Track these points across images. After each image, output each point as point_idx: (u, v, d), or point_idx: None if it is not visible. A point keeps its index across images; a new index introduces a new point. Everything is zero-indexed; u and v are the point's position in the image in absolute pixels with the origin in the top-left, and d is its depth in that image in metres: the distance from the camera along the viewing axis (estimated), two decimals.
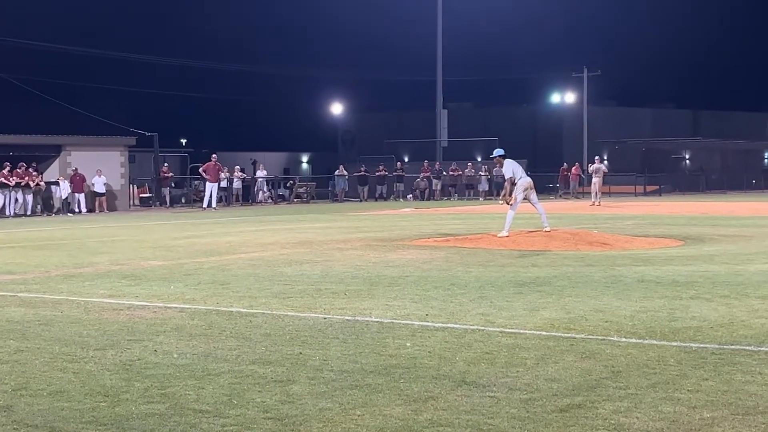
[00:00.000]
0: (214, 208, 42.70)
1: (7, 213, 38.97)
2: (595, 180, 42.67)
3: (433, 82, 62.61)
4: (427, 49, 63.55)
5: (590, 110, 69.39)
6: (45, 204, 41.48)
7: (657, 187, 61.35)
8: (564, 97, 76.54)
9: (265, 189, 52.20)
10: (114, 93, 73.77)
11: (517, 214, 20.90)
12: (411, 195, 54.39)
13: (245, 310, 10.83)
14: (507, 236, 19.83)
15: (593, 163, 45.19)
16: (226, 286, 13.05)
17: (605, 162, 44.34)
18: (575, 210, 36.52)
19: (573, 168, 54.76)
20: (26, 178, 40.31)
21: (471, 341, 8.72)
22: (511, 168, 20.85)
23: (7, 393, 6.95)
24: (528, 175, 21.24)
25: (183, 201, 50.39)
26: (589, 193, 44.18)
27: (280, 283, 13.21)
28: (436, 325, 9.62)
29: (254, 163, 54.77)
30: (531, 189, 20.90)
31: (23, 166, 40.44)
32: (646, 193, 59.08)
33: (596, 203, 40.89)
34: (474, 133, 67.98)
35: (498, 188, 54.79)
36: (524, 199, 20.88)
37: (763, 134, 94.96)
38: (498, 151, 21.62)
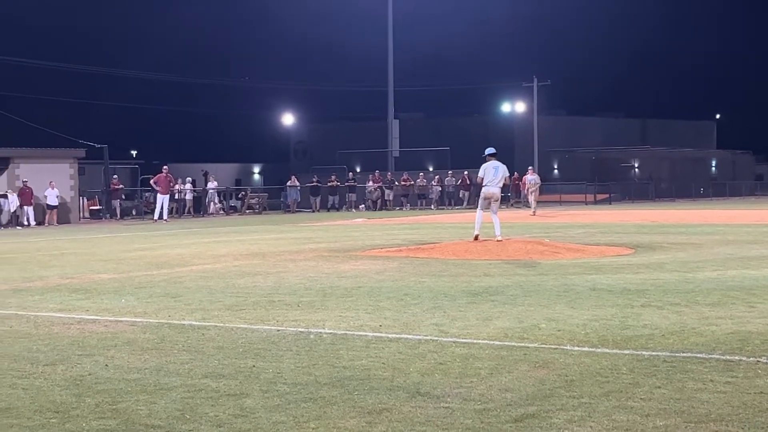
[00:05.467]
0: (166, 220, 42.42)
1: None
2: (531, 190, 42.84)
3: (384, 93, 62.75)
4: (379, 60, 63.71)
5: (540, 120, 69.89)
6: None
7: (607, 195, 61.89)
8: (514, 107, 76.98)
9: (216, 200, 51.97)
10: (63, 105, 73.10)
11: (471, 223, 21.19)
12: (363, 205, 54.39)
13: (198, 323, 10.74)
14: (477, 235, 20.43)
15: (527, 173, 45.32)
16: (178, 298, 12.95)
17: (536, 174, 44.45)
18: (526, 219, 36.69)
19: (524, 176, 55.07)
20: None
21: (425, 352, 8.71)
22: (482, 170, 20.96)
23: None
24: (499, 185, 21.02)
25: (134, 213, 50.00)
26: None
27: (232, 296, 13.13)
28: (390, 335, 9.60)
29: (205, 174, 54.49)
30: (494, 201, 20.92)
31: None
32: (596, 202, 59.56)
33: (534, 213, 40.87)
34: (425, 143, 68.17)
35: (450, 198, 55.04)
36: (487, 206, 20.97)
37: (711, 142, 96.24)
38: (487, 150, 21.26)
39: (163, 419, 6.48)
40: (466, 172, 52.85)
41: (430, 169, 64.38)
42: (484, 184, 20.79)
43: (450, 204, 54.42)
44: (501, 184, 20.86)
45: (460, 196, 54.33)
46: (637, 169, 76.74)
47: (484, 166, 20.99)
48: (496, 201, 20.91)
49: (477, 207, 21.47)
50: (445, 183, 55.14)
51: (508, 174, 21.22)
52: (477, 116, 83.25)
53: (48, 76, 72.67)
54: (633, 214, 40.36)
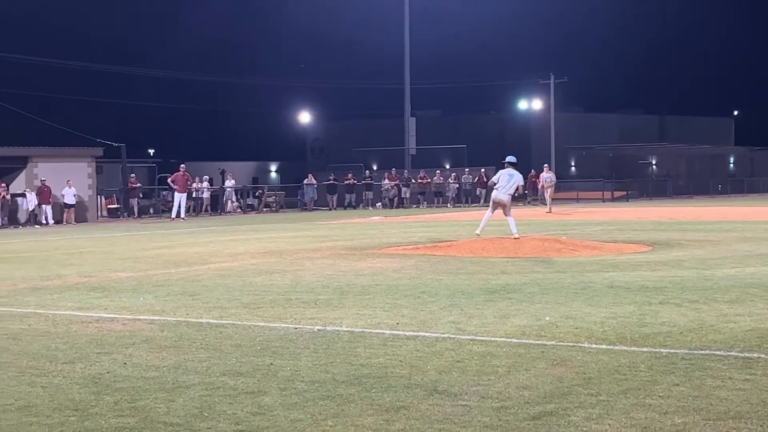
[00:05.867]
0: (183, 219, 42.52)
1: None
2: (547, 187, 42.52)
3: (401, 90, 62.69)
4: (395, 57, 63.64)
5: (557, 117, 69.71)
6: (11, 217, 41.16)
7: (624, 192, 61.68)
8: (531, 104, 76.82)
9: (233, 199, 52.06)
10: (81, 104, 73.38)
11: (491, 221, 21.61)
12: (380, 203, 54.38)
13: (215, 321, 10.77)
14: (477, 234, 20.90)
15: (542, 171, 44.96)
16: (196, 297, 12.98)
17: (551, 172, 44.06)
18: (543, 217, 36.62)
19: (540, 174, 54.93)
20: None
21: (442, 350, 8.71)
22: (498, 175, 21.45)
23: None
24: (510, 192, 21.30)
25: (151, 212, 50.13)
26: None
27: (250, 294, 13.16)
28: (407, 333, 9.60)
29: (222, 172, 54.61)
30: (502, 206, 21.12)
31: None
32: (613, 199, 59.37)
33: (549, 211, 40.59)
34: (442, 140, 68.11)
35: (466, 195, 54.98)
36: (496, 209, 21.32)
37: (729, 139, 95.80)
38: (507, 158, 21.73)
39: (181, 417, 6.50)
40: (483, 170, 52.79)
41: (447, 166, 64.28)
42: (495, 188, 21.13)
43: (467, 202, 54.35)
44: (511, 192, 21.12)
45: (477, 193, 54.25)
46: (654, 166, 76.50)
47: (501, 171, 21.46)
48: (505, 206, 21.06)
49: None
50: (462, 180, 55.07)
51: (521, 183, 21.73)
52: (493, 114, 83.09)
53: (65, 75, 72.94)
54: (650, 211, 40.23)
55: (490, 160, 52.83)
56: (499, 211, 21.30)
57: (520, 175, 21.39)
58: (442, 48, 70.56)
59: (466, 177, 55.18)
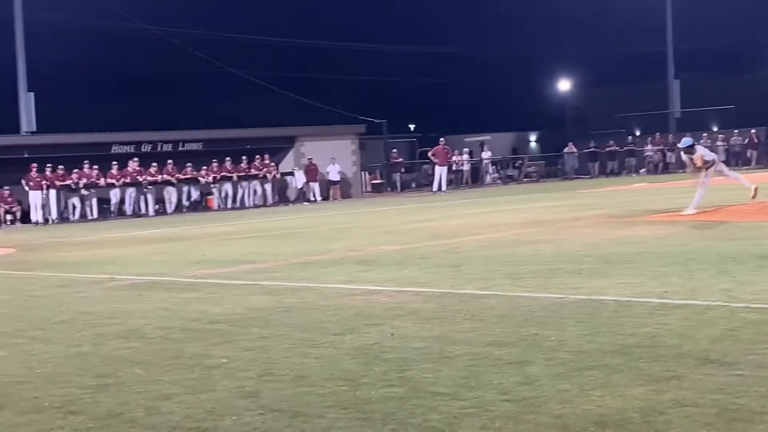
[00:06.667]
0: (444, 191, 43.01)
1: (247, 204, 40.65)
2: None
3: (662, 52, 60.80)
4: (656, 19, 61.72)
5: None
6: (281, 195, 42.94)
7: None
8: None
9: (490, 170, 52.18)
10: (341, 82, 75.37)
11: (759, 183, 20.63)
12: (644, 169, 53.04)
13: (479, 291, 10.82)
14: (694, 213, 19.55)
15: None
16: (459, 268, 13.09)
17: None
18: None
19: None
20: (264, 169, 41.88)
21: (713, 318, 8.39)
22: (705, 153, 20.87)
23: (253, 379, 7.19)
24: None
25: (413, 185, 51.00)
26: None
27: (512, 264, 13.14)
28: (676, 302, 9.31)
29: (481, 145, 54.82)
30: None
31: (260, 158, 42.04)
32: None
33: None
34: (708, 102, 65.48)
35: (736, 158, 52.76)
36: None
37: None
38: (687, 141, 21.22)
39: (448, 386, 6.57)
40: (753, 131, 50.46)
41: (714, 129, 61.82)
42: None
43: (737, 164, 52.16)
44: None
45: (748, 155, 51.96)
46: None
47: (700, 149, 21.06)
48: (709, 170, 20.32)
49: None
50: (731, 143, 52.86)
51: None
52: (763, 72, 79.06)
53: (326, 55, 75.19)
54: None
55: (760, 120, 50.43)
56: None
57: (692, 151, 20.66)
58: (704, 7, 67.76)
59: (735, 139, 52.94)
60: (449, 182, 46.10)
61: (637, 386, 6.25)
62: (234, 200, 41.25)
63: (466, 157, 51.38)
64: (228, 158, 41.29)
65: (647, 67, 66.09)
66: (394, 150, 51.15)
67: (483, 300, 10.19)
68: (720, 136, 54.12)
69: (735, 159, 52.47)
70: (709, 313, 8.62)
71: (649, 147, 53.16)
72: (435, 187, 43.94)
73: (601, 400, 5.98)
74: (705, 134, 54.26)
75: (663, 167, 52.64)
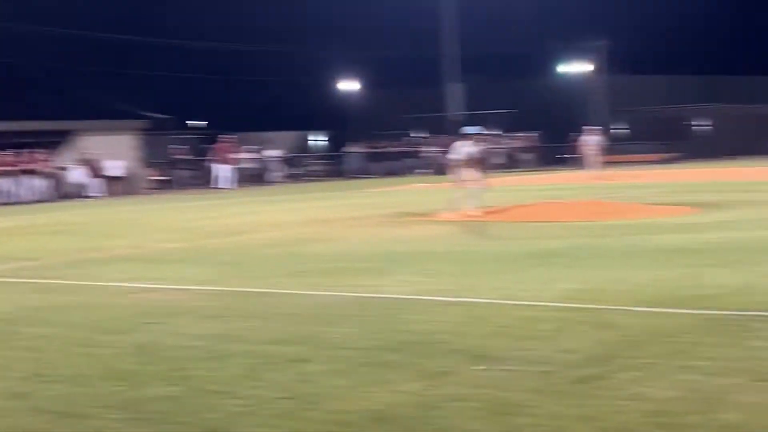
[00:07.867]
0: (230, 189, 42.76)
1: (23, 199, 39.20)
2: (592, 152, 40.95)
3: (447, 56, 62.36)
4: (441, 22, 63.21)
5: (605, 80, 68.93)
6: (59, 190, 41.61)
7: (673, 154, 60.99)
8: (577, 67, 75.94)
9: (276, 168, 52.29)
10: (125, 76, 73.62)
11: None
12: (424, 170, 54.26)
13: (261, 290, 10.82)
14: (477, 213, 19.90)
15: (587, 134, 43.21)
16: (241, 266, 13.06)
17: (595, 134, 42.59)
18: (590, 180, 36.33)
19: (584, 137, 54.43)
20: (38, 163, 40.50)
21: (486, 315, 8.69)
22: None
23: (24, 380, 6.96)
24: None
25: (198, 183, 50.39)
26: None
27: (294, 262, 13.20)
28: (451, 299, 9.59)
29: (267, 143, 54.81)
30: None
31: (34, 152, 40.65)
32: (662, 161, 58.75)
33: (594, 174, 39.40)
34: (492, 106, 67.45)
35: (513, 162, 54.72)
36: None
37: None
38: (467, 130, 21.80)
39: (227, 385, 6.55)
40: (533, 134, 52.54)
41: (498, 132, 63.77)
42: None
43: (517, 167, 54.15)
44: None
45: (526, 158, 54.27)
46: (704, 127, 75.44)
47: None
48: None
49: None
50: (512, 145, 55.07)
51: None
52: (541, 78, 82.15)
53: (110, 48, 73.32)
54: (699, 173, 39.79)
55: (540, 125, 52.48)
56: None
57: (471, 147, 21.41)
58: (495, 14, 69.94)
59: (516, 142, 55.13)
60: (233, 180, 45.84)
61: (413, 381, 6.40)
62: (8, 195, 39.64)
63: (252, 155, 51.19)
64: None
65: (432, 70, 67.47)
66: (176, 146, 50.38)
67: (265, 298, 10.20)
68: (502, 139, 56.03)
69: (511, 162, 54.38)
70: (482, 310, 8.92)
71: (431, 148, 54.38)
72: (213, 183, 43.74)
73: (378, 396, 6.10)
74: (487, 136, 55.93)
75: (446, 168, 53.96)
